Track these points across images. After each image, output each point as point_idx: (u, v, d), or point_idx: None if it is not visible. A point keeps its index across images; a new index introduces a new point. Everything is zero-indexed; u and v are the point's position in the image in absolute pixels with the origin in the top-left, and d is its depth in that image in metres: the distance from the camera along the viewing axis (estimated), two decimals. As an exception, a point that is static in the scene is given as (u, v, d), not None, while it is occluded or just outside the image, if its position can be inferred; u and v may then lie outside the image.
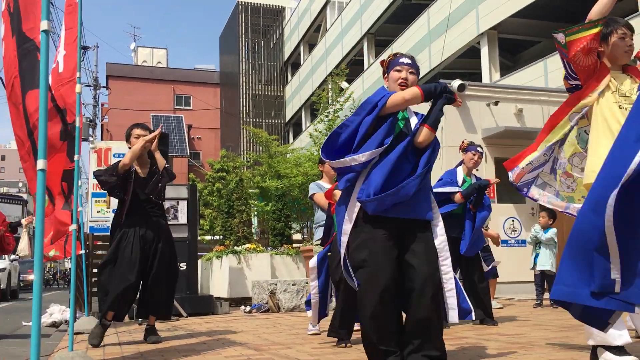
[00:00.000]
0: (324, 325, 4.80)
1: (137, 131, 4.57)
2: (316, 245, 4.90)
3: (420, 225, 2.87)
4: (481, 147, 5.35)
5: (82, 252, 6.07)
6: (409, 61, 3.06)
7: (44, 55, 2.41)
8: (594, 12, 2.86)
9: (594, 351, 2.84)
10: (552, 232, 7.19)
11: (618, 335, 2.73)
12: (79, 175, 4.44)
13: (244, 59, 31.50)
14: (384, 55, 3.33)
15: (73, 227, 3.75)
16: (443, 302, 2.89)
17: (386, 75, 3.12)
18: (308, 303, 4.43)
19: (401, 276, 2.81)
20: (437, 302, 2.81)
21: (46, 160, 2.32)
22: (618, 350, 2.73)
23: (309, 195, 4.85)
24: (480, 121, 9.19)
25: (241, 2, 31.88)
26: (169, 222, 7.62)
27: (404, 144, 2.88)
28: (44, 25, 2.44)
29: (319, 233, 4.89)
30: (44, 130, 2.34)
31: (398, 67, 3.04)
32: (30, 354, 2.09)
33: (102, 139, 29.03)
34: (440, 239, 2.90)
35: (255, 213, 12.95)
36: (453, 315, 2.90)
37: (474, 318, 3.11)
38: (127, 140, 4.63)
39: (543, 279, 7.16)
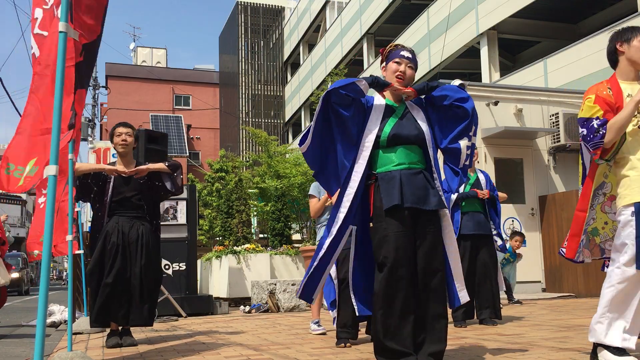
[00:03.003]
0: (328, 325, 4.79)
1: (119, 129, 4.49)
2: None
3: (430, 216, 2.95)
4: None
5: (81, 252, 6.06)
6: (409, 55, 3.06)
7: (62, 56, 2.36)
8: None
9: (595, 350, 2.83)
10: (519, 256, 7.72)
11: (623, 338, 2.70)
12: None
13: (243, 59, 31.47)
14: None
15: (69, 238, 3.69)
16: (453, 288, 3.01)
17: (384, 65, 3.12)
18: (332, 304, 4.35)
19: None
20: (443, 295, 2.93)
21: (57, 166, 2.29)
22: (618, 350, 2.71)
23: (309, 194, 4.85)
24: (480, 121, 9.11)
25: (241, 2, 31.85)
26: (168, 223, 7.73)
27: None
28: (62, 27, 2.40)
29: (321, 233, 4.88)
30: (57, 135, 2.30)
31: (398, 60, 3.05)
32: (30, 354, 2.09)
33: (101, 139, 28.99)
34: (448, 227, 3.03)
35: (255, 213, 12.94)
36: (463, 295, 3.02)
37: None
38: (111, 140, 4.54)
39: None
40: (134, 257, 4.30)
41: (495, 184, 5.71)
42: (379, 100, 3.06)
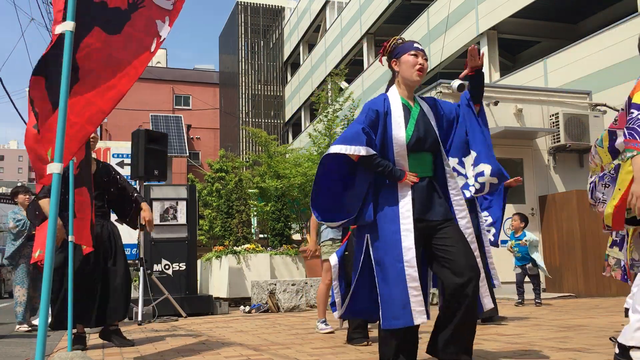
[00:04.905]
0: (335, 324, 4.79)
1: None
2: (323, 245, 4.88)
3: (438, 226, 2.80)
4: None
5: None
6: (422, 47, 2.93)
7: (67, 55, 2.32)
8: None
9: (623, 352, 2.70)
10: (530, 235, 7.20)
11: None
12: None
13: (243, 59, 31.49)
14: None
15: (70, 238, 3.68)
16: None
17: (394, 59, 2.92)
18: (333, 304, 4.38)
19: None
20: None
21: (62, 164, 2.25)
22: None
23: None
24: (480, 121, 9.18)
25: (241, 2, 31.86)
26: (168, 223, 7.72)
27: None
28: (69, 26, 2.35)
29: (325, 233, 4.88)
30: (62, 132, 2.26)
31: (414, 52, 2.85)
32: (30, 354, 2.08)
33: (101, 139, 28.98)
34: (467, 232, 2.85)
35: (255, 213, 12.94)
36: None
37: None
38: None
39: (523, 279, 7.24)
40: (90, 255, 4.22)
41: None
42: (395, 100, 2.87)
